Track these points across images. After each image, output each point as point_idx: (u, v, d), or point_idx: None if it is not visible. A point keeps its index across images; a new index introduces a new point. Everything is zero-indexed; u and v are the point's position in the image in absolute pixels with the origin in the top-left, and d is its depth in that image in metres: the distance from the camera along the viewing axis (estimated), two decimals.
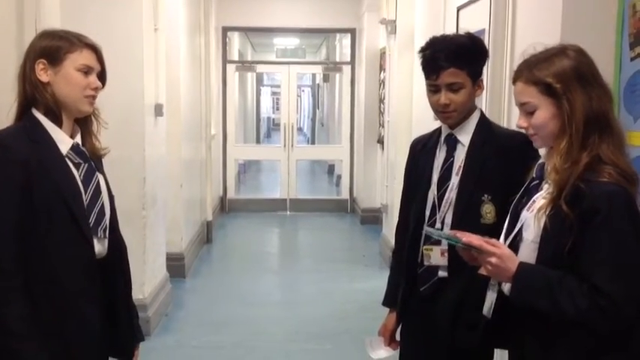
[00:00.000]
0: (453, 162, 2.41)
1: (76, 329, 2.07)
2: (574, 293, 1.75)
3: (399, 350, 2.62)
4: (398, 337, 2.63)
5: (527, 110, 1.90)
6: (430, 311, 2.41)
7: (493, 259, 1.86)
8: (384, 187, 7.67)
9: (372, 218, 9.24)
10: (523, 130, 1.96)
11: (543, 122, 1.88)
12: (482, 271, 1.93)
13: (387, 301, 2.67)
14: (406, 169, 2.64)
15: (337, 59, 13.00)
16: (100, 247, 2.15)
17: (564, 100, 1.83)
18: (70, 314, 2.06)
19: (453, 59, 2.31)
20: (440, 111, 2.38)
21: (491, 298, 2.00)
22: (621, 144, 1.85)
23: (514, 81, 1.94)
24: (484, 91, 2.56)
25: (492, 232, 2.09)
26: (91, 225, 2.11)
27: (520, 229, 1.94)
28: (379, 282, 6.41)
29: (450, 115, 2.37)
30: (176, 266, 6.28)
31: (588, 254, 1.76)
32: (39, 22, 2.79)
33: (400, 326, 2.60)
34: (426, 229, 2.24)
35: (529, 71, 1.89)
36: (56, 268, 2.03)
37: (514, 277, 1.84)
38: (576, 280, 1.76)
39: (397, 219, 2.73)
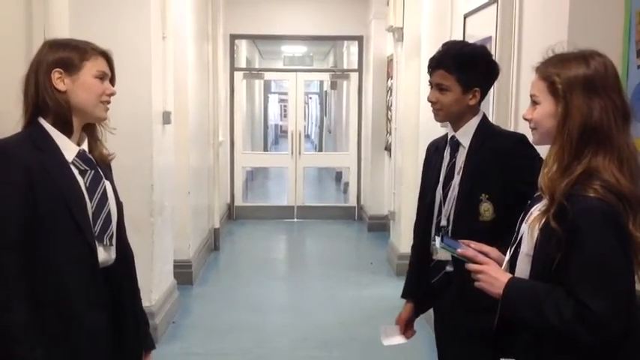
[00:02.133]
0: (454, 163, 2.58)
1: (82, 337, 2.06)
2: (560, 305, 1.75)
3: (416, 339, 2.80)
4: (414, 327, 2.80)
5: (534, 102, 1.92)
6: (441, 302, 2.62)
7: (480, 275, 1.92)
8: (391, 194, 7.67)
9: (379, 225, 9.23)
10: (527, 123, 1.98)
11: (542, 118, 1.89)
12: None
13: (404, 293, 2.83)
14: (423, 170, 2.81)
15: (344, 66, 13.03)
16: (106, 254, 2.15)
17: (562, 102, 1.83)
18: (77, 322, 2.05)
19: (445, 63, 2.50)
20: (431, 106, 2.60)
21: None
22: (625, 162, 1.81)
23: (535, 72, 1.95)
24: (491, 97, 2.66)
25: (491, 228, 2.36)
26: (97, 232, 2.11)
27: (520, 242, 1.95)
28: (387, 289, 6.42)
29: (437, 113, 2.58)
30: (183, 273, 6.28)
31: (572, 270, 1.76)
32: (47, 32, 2.80)
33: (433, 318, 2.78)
34: (436, 240, 2.27)
35: (545, 67, 1.90)
36: (61, 275, 2.03)
37: (503, 290, 1.86)
38: (564, 293, 1.77)
39: (408, 221, 2.89)
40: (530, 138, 2.04)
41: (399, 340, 2.76)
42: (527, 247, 1.89)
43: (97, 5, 4.56)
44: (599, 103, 1.81)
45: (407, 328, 2.78)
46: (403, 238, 6.87)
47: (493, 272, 1.91)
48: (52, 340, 2.01)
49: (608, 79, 1.84)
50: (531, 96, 1.94)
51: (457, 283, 2.47)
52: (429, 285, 2.64)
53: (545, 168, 1.86)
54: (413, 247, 2.83)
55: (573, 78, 1.83)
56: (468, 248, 2.00)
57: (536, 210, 1.90)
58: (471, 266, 1.96)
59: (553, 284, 1.79)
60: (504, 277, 1.89)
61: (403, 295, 2.83)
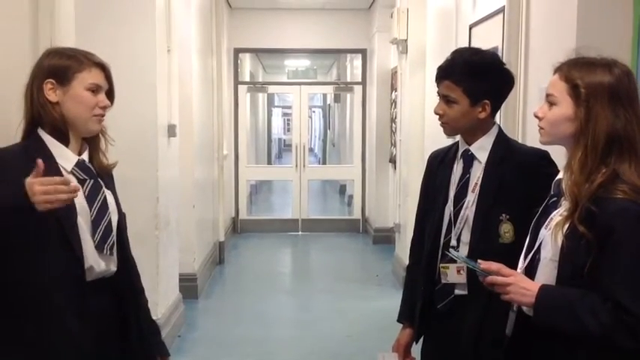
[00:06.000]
0: (469, 178, 2.38)
1: (61, 346, 2.03)
2: (597, 311, 1.73)
3: None
4: (412, 353, 2.60)
5: (549, 102, 1.89)
6: (450, 329, 2.39)
7: (509, 288, 1.85)
8: (396, 206, 7.64)
9: (384, 238, 9.20)
10: (537, 121, 1.94)
11: (557, 120, 1.87)
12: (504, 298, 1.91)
13: (401, 317, 2.64)
14: (423, 183, 2.61)
15: (348, 79, 13.04)
16: (105, 264, 2.13)
17: (583, 106, 1.81)
18: (57, 331, 2.02)
19: (451, 73, 2.32)
20: (438, 119, 2.41)
21: (512, 317, 1.99)
22: None
23: (554, 72, 1.92)
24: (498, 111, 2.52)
25: (511, 251, 2.09)
26: (97, 241, 2.09)
27: (539, 248, 1.92)
28: (393, 301, 6.35)
29: (444, 126, 2.40)
30: (189, 287, 6.25)
31: (609, 273, 1.73)
32: (54, 44, 2.79)
33: (422, 343, 2.57)
34: (451, 251, 2.20)
35: (568, 68, 1.87)
36: (46, 284, 2.01)
37: (536, 300, 1.81)
38: (599, 298, 1.74)
39: (412, 233, 2.69)
40: (537, 137, 1.99)
41: None
42: (551, 252, 1.86)
43: (102, 18, 4.57)
44: (623, 113, 1.80)
45: (405, 355, 2.57)
46: (409, 251, 6.82)
47: (522, 282, 1.85)
48: (34, 350, 1.99)
49: (630, 91, 1.83)
50: (548, 95, 1.90)
51: (476, 311, 2.29)
52: (432, 309, 2.44)
53: (568, 172, 1.84)
54: (410, 266, 2.67)
55: (598, 85, 1.81)
56: (491, 262, 1.94)
57: (557, 215, 1.87)
58: (498, 279, 1.88)
59: (585, 289, 1.76)
60: (534, 286, 1.84)
61: (400, 319, 2.64)
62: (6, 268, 1.98)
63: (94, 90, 2.10)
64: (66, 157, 2.09)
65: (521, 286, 1.85)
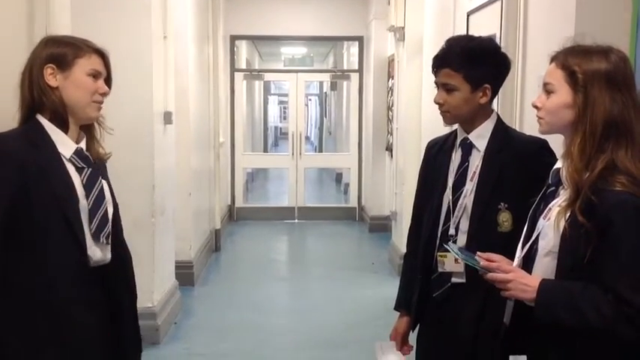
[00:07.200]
0: (467, 167, 2.37)
1: (72, 337, 2.04)
2: (598, 304, 1.73)
3: (413, 355, 2.59)
4: (410, 341, 2.60)
5: (547, 91, 1.89)
6: (446, 317, 2.39)
7: (509, 285, 1.86)
8: (392, 194, 7.65)
9: (380, 226, 9.21)
10: (535, 110, 1.94)
11: (555, 107, 1.87)
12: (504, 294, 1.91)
13: (398, 305, 2.64)
14: (421, 171, 2.60)
15: (345, 67, 13.01)
16: (101, 253, 2.13)
17: (581, 92, 1.81)
18: (66, 322, 2.03)
19: (450, 61, 2.29)
20: (438, 108, 2.39)
21: (510, 305, 1.99)
22: None
23: (550, 61, 1.92)
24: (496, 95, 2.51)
25: (509, 240, 2.09)
26: (94, 230, 2.09)
27: (536, 239, 1.92)
28: (389, 289, 6.39)
29: (445, 115, 2.37)
30: (185, 274, 6.26)
31: (609, 266, 1.73)
32: (49, 32, 2.78)
33: (417, 331, 2.58)
34: (450, 245, 2.19)
35: (564, 56, 1.87)
36: (51, 273, 2.01)
37: (537, 295, 1.82)
38: (599, 290, 1.74)
39: (409, 222, 2.68)
40: (535, 125, 1.98)
41: (395, 357, 2.54)
42: (551, 242, 1.85)
43: (98, 6, 4.55)
44: (620, 98, 1.80)
45: (402, 343, 2.57)
46: (405, 239, 6.81)
47: (523, 278, 1.85)
48: (43, 338, 2.00)
49: (627, 76, 1.83)
50: (545, 84, 1.90)
51: (476, 300, 2.28)
52: (429, 298, 2.43)
53: (568, 159, 1.83)
54: (407, 254, 2.66)
55: (595, 71, 1.81)
56: (490, 259, 1.94)
57: (556, 205, 1.87)
58: (498, 276, 1.89)
59: (584, 282, 1.76)
60: (534, 281, 1.84)
61: (397, 308, 2.63)
62: (12, 261, 1.98)
63: (94, 76, 2.11)
64: (65, 144, 2.09)
65: (521, 282, 1.85)
